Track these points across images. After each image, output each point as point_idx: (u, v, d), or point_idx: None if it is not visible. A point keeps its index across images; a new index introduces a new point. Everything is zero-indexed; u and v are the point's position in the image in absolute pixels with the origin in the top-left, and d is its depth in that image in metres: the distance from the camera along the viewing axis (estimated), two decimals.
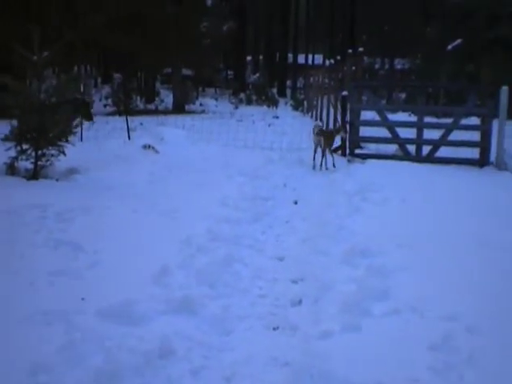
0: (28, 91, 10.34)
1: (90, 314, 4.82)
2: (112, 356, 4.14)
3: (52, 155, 10.12)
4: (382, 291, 5.50)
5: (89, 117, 16.05)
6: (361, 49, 19.16)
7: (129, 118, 16.02)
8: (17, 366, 4.00)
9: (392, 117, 15.92)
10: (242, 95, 39.55)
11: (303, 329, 4.93)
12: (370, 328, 4.77)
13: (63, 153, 10.07)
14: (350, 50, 20.52)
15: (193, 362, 4.32)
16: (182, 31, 29.13)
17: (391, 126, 14.10)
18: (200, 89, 45.14)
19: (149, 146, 12.53)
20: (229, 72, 53.00)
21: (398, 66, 46.68)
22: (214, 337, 4.77)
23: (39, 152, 10.01)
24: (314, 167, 12.31)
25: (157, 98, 35.13)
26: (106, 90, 36.38)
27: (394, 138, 14.05)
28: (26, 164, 9.98)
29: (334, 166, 12.29)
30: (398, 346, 4.48)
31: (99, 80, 48.27)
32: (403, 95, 33.92)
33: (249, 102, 37.53)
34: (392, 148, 14.32)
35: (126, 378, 3.97)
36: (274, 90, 44.67)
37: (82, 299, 5.13)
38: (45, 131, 9.98)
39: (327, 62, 24.42)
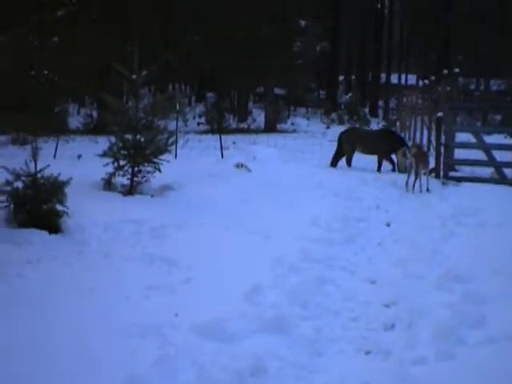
0: (126, 109, 10.64)
1: (183, 330, 4.89)
2: (205, 372, 4.18)
3: (148, 172, 10.35)
4: (477, 318, 5.35)
5: None
6: (457, 69, 18.82)
7: (222, 136, 16.23)
8: (113, 378, 4.09)
9: (486, 139, 15.57)
10: (334, 115, 39.42)
11: (396, 354, 4.83)
12: (465, 356, 4.64)
13: (159, 170, 10.28)
14: (446, 71, 20.20)
15: (284, 382, 4.29)
16: (276, 52, 29.38)
17: (488, 149, 13.78)
18: (292, 108, 45.29)
19: (241, 165, 12.63)
20: (321, 92, 53.01)
21: (494, 87, 45.55)
22: (306, 358, 4.73)
23: (135, 168, 10.26)
24: (407, 189, 12.11)
25: (249, 117, 35.47)
26: (200, 108, 37.02)
27: (490, 161, 13.72)
28: (122, 180, 10.24)
29: (427, 189, 12.06)
30: (493, 377, 4.35)
31: (193, 99, 49.15)
32: (499, 117, 33.09)
33: (340, 122, 37.36)
34: (487, 171, 13.99)
35: None
36: (366, 110, 44.37)
37: (176, 315, 5.21)
38: (141, 148, 10.22)
39: (421, 82, 24.07)
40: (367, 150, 15.16)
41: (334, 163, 15.28)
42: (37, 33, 25.87)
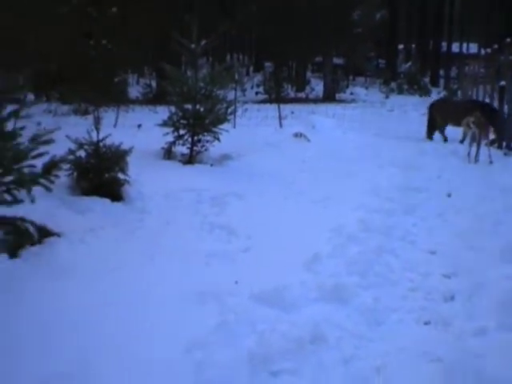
0: (185, 79, 10.71)
1: (243, 297, 4.94)
2: (265, 339, 4.22)
3: (207, 141, 10.43)
4: None
5: None
6: None
7: (280, 106, 16.18)
8: (174, 343, 4.17)
9: None
10: (393, 84, 38.91)
11: (456, 325, 4.78)
12: None
13: (218, 139, 10.34)
14: (509, 39, 19.65)
15: (343, 350, 4.30)
16: (335, 20, 29.05)
17: None
18: (350, 77, 44.83)
19: (300, 135, 12.60)
20: (380, 61, 52.26)
21: None
22: (365, 327, 4.72)
23: (195, 138, 10.34)
24: (469, 160, 11.90)
25: (307, 87, 35.27)
26: (258, 78, 36.97)
27: None
28: (182, 149, 10.34)
29: (490, 159, 11.82)
30: None
31: (251, 68, 49.06)
32: None
33: (400, 92, 36.89)
34: None
35: (277, 362, 4.03)
36: (427, 80, 43.65)
37: (236, 282, 5.27)
38: (201, 118, 10.29)
39: (483, 51, 23.52)
40: (455, 122, 14.84)
41: (429, 135, 15.18)
42: (96, 4, 26.10)
